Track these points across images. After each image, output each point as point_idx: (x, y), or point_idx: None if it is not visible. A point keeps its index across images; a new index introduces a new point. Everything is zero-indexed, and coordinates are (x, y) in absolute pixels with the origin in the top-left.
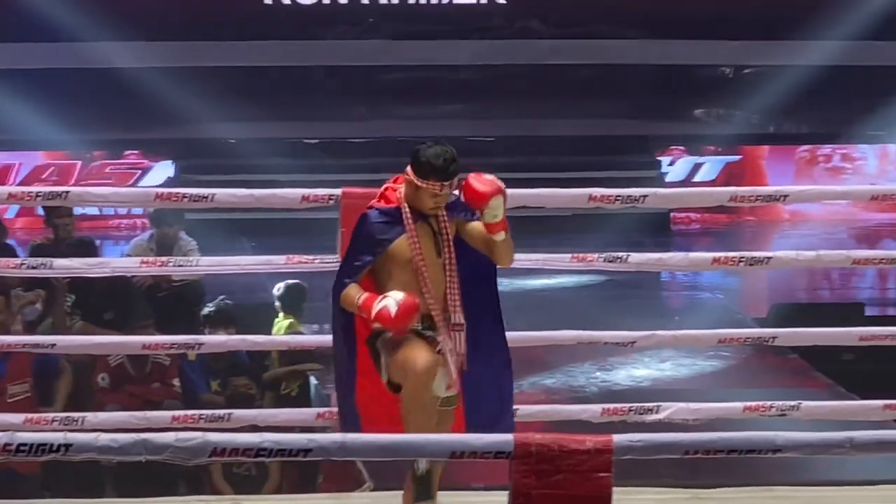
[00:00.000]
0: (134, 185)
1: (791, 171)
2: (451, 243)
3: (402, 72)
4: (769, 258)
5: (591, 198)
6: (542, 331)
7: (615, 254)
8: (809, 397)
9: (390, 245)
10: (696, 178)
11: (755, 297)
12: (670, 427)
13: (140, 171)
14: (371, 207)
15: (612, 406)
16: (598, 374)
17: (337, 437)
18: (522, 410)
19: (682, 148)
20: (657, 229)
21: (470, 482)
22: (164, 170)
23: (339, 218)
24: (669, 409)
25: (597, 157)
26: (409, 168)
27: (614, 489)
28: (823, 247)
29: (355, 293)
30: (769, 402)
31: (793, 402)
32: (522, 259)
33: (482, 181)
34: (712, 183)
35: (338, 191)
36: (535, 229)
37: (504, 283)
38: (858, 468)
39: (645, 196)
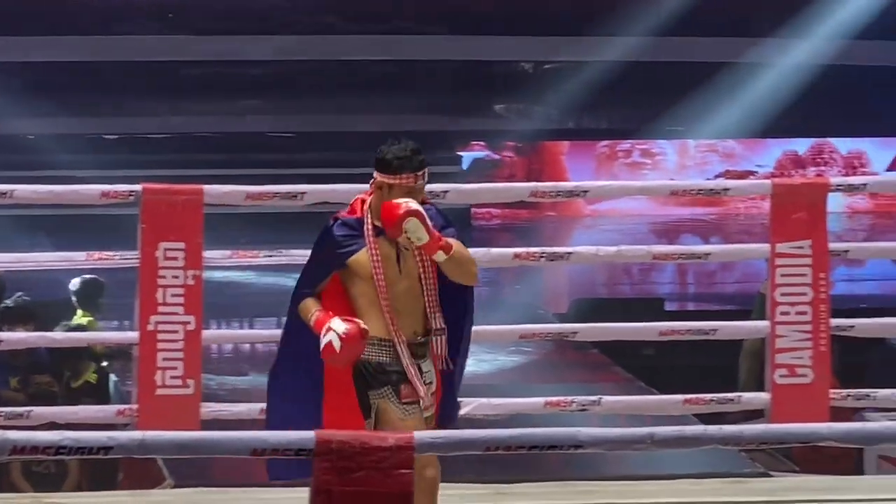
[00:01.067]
0: None
1: (591, 166)
2: (422, 254)
3: (202, 67)
4: (570, 253)
5: None
6: None
7: None
8: (610, 392)
9: (350, 258)
10: None
11: (556, 292)
12: (472, 423)
13: None
14: (336, 218)
15: None
16: None
17: (136, 434)
18: None
19: (482, 143)
20: (457, 225)
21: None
22: None
23: (140, 214)
24: (471, 405)
25: None
26: (376, 174)
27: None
28: (624, 242)
29: (311, 307)
30: (570, 398)
31: (594, 397)
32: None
33: (390, 207)
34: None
35: (138, 187)
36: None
37: (287, 280)
38: (658, 462)
39: (446, 191)
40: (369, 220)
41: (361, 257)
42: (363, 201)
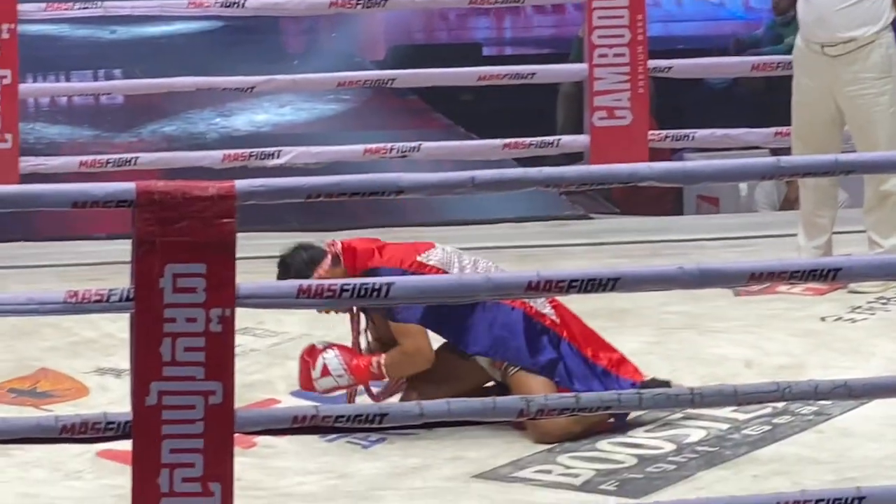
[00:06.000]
0: None
1: None
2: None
3: None
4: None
5: None
6: (161, 78)
7: None
8: (429, 138)
9: None
10: None
11: (372, 39)
12: (292, 172)
13: None
14: None
15: (232, 152)
16: (217, 120)
17: None
18: (143, 158)
19: None
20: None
21: (90, 231)
22: None
23: None
24: (290, 154)
25: None
26: None
27: (238, 235)
28: None
29: None
30: (390, 144)
31: (413, 144)
32: (140, 6)
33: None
34: None
35: None
36: None
37: (120, 31)
38: (478, 208)
39: None
40: None
41: None
42: None
